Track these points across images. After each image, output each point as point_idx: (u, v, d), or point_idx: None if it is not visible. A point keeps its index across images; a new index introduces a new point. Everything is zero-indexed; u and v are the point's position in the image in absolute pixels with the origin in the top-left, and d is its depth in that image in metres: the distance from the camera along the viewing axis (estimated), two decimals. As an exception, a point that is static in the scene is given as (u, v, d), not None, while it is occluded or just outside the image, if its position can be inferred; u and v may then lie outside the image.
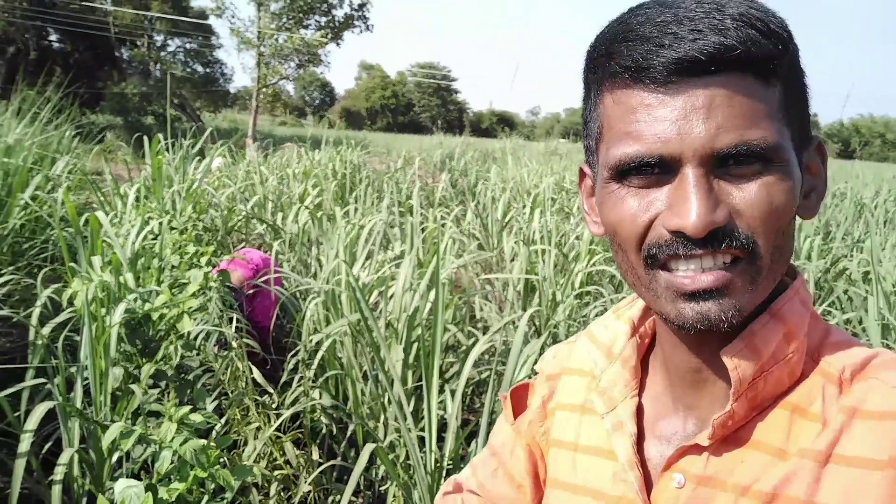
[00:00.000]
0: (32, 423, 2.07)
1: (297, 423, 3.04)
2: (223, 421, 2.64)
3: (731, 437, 0.66)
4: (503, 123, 71.87)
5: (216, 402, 2.69)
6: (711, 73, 0.59)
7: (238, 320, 3.01)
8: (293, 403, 2.85)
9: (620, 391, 0.77)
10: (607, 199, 0.66)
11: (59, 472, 2.01)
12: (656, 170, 0.62)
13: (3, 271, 3.73)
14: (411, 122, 73.51)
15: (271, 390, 2.90)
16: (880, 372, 0.63)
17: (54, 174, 5.74)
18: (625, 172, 0.63)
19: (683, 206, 0.60)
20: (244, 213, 5.47)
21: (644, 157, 0.61)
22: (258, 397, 2.81)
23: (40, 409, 2.11)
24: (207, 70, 34.91)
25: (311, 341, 3.10)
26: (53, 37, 31.34)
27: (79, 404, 2.48)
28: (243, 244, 5.18)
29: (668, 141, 0.60)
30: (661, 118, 0.60)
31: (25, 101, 7.30)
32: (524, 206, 7.08)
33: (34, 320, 2.87)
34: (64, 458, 2.08)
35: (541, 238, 4.84)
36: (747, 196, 0.60)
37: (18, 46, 28.80)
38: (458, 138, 19.17)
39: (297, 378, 3.00)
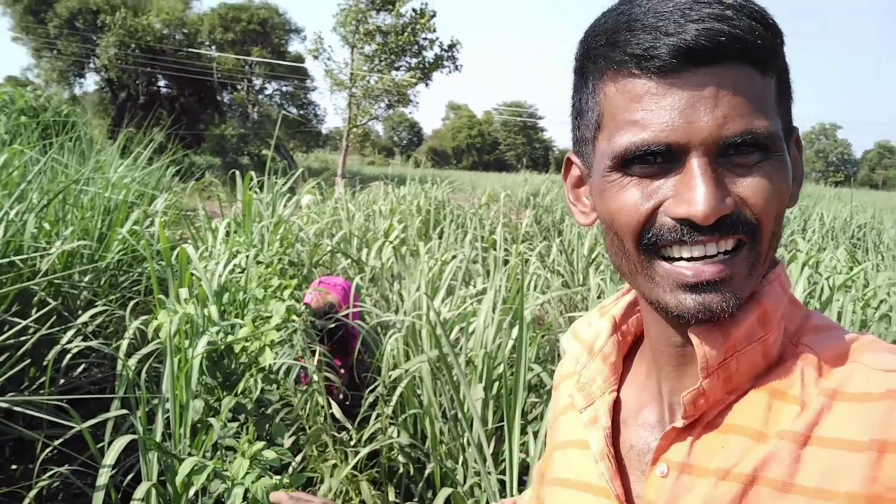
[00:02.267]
0: (111, 457, 2.07)
1: (374, 461, 2.97)
2: (300, 457, 2.59)
3: (712, 422, 0.66)
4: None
5: (294, 438, 2.64)
6: (716, 63, 0.59)
7: (323, 354, 2.98)
8: (370, 440, 2.78)
9: (599, 386, 0.78)
10: (608, 188, 0.66)
11: (134, 504, 1.99)
12: (660, 159, 0.62)
13: (98, 303, 3.85)
14: (496, 161, 73.95)
15: (349, 426, 2.84)
16: (861, 355, 0.64)
17: (153, 210, 5.98)
18: (629, 161, 0.63)
19: (692, 193, 0.60)
20: (330, 247, 5.52)
21: (651, 144, 0.61)
22: (336, 433, 2.75)
23: (119, 443, 2.12)
24: (301, 112, 36.26)
25: (389, 377, 3.03)
26: (161, 82, 33.33)
27: (159, 437, 2.49)
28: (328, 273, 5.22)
29: (676, 129, 0.60)
30: (667, 106, 0.60)
31: (131, 141, 7.71)
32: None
33: (122, 352, 2.92)
34: (140, 491, 2.07)
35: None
36: (751, 184, 0.61)
37: (129, 91, 30.74)
38: (543, 175, 19.06)
39: (374, 415, 2.93)
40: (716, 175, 0.60)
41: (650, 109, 0.61)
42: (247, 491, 1.77)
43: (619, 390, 0.79)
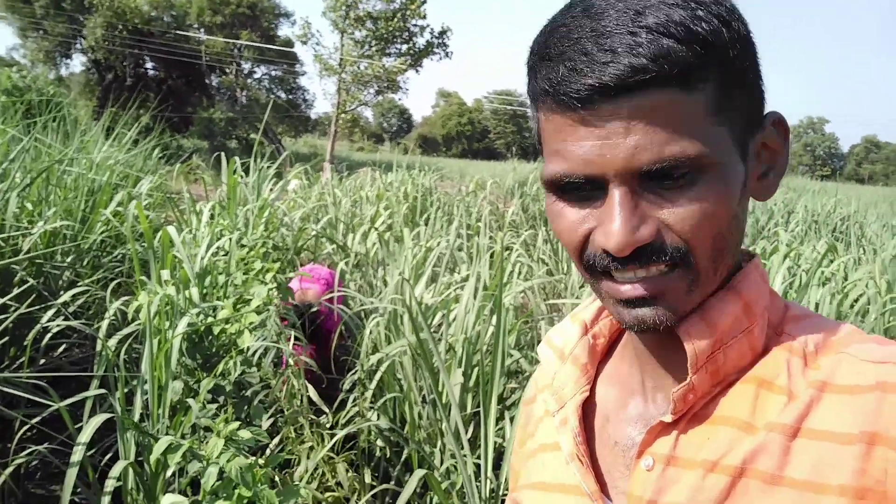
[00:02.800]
0: (86, 435, 2.08)
1: (353, 443, 2.99)
2: (277, 440, 2.61)
3: (698, 414, 0.66)
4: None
5: (272, 420, 2.66)
6: (628, 93, 0.58)
7: (297, 338, 2.99)
8: (348, 423, 2.80)
9: (570, 388, 0.78)
10: (549, 208, 0.67)
11: (109, 485, 2.00)
12: (588, 187, 0.62)
13: (80, 284, 3.84)
14: (486, 149, 73.87)
15: (326, 409, 2.86)
16: (849, 346, 0.64)
17: (137, 192, 5.94)
18: (560, 188, 0.64)
19: (608, 226, 0.61)
20: (314, 232, 5.52)
21: (570, 177, 0.62)
22: (314, 416, 2.77)
23: (96, 420, 2.13)
24: (290, 96, 36.06)
25: (368, 361, 3.05)
26: (149, 64, 33.02)
27: (137, 417, 2.49)
28: (311, 262, 5.21)
29: (591, 162, 0.60)
30: (583, 139, 0.60)
31: (116, 122, 7.63)
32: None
33: (102, 332, 2.92)
34: (116, 470, 2.08)
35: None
36: (677, 209, 0.60)
37: (116, 73, 30.44)
38: (532, 164, 19.07)
39: (352, 398, 2.94)
40: (633, 205, 0.60)
41: (568, 141, 0.61)
42: (222, 471, 1.78)
43: (593, 391, 0.79)
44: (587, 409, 0.77)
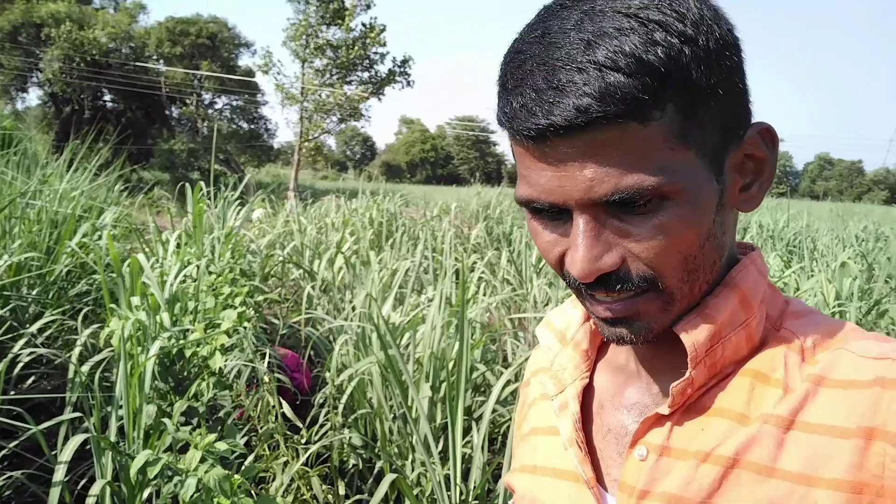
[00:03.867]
0: (66, 454, 2.13)
1: (326, 458, 3.05)
2: (252, 457, 2.67)
3: (693, 405, 0.67)
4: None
5: (245, 439, 2.72)
6: (580, 130, 0.57)
7: (271, 355, 3.06)
8: (321, 439, 2.87)
9: (570, 373, 0.79)
10: (528, 224, 0.68)
11: (90, 502, 2.05)
12: (554, 210, 0.63)
13: (47, 314, 3.85)
14: (450, 175, 74.33)
15: (300, 424, 2.93)
16: (847, 342, 0.64)
17: (101, 224, 5.95)
18: (531, 209, 0.65)
19: (572, 253, 0.62)
20: (281, 258, 5.59)
21: (536, 202, 0.63)
22: (288, 432, 2.84)
23: (74, 441, 2.18)
24: (252, 126, 36.00)
25: (338, 377, 3.13)
26: (108, 97, 32.73)
27: (112, 439, 2.53)
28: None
29: (552, 191, 0.61)
30: (542, 170, 0.61)
31: (76, 155, 7.62)
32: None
33: (74, 358, 2.96)
34: (95, 489, 2.12)
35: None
36: (641, 238, 0.61)
37: (74, 106, 30.12)
38: (496, 189, 19.33)
39: (323, 413, 3.02)
40: (596, 234, 0.61)
41: (532, 169, 0.62)
42: (199, 482, 1.85)
43: (592, 377, 0.79)
44: (585, 395, 0.78)
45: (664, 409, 0.66)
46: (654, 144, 0.58)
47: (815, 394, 0.61)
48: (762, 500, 0.60)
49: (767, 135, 0.67)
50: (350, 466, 3.00)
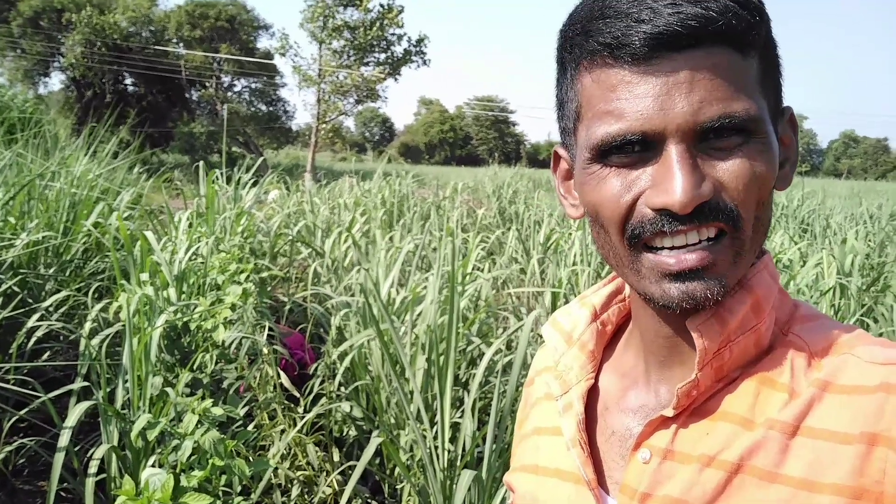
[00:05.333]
0: (72, 419, 2.24)
1: (323, 427, 3.16)
2: (252, 426, 2.78)
3: (699, 409, 0.66)
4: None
5: (247, 408, 2.83)
6: (691, 47, 0.58)
7: (271, 329, 3.17)
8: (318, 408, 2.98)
9: (576, 374, 0.78)
10: (589, 180, 0.65)
11: (93, 466, 2.17)
12: (638, 147, 0.61)
13: (63, 291, 3.99)
14: (469, 156, 74.14)
15: (298, 394, 3.04)
16: (854, 347, 0.63)
17: (117, 205, 6.09)
18: (606, 152, 0.63)
19: (669, 183, 0.59)
20: (290, 237, 5.70)
21: (626, 134, 0.60)
22: (286, 402, 2.95)
23: (80, 407, 2.29)
24: (271, 108, 36.17)
25: (336, 348, 3.23)
26: (128, 80, 33.04)
27: (119, 407, 2.66)
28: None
29: (651, 117, 0.59)
30: (642, 94, 0.60)
31: (94, 137, 7.77)
32: (569, 232, 7.15)
33: (85, 331, 3.09)
34: (100, 451, 2.24)
35: (581, 260, 4.90)
36: (731, 168, 0.60)
37: (95, 90, 30.45)
38: (512, 169, 19.34)
39: (318, 382, 3.13)
40: (693, 162, 0.60)
41: (625, 98, 0.61)
42: (196, 444, 1.96)
43: (597, 378, 0.78)
44: (590, 397, 0.77)
45: (669, 412, 0.66)
46: (751, 79, 0.61)
47: (820, 399, 0.61)
48: None
49: (793, 120, 0.70)
50: (348, 436, 3.11)
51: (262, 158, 7.29)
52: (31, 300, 3.73)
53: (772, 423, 0.61)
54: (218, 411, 2.01)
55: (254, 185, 6.62)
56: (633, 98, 0.60)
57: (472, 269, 4.30)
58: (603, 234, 0.66)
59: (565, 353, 0.79)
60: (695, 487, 0.62)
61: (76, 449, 2.71)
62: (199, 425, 2.00)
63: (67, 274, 4.54)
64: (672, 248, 0.62)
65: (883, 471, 0.56)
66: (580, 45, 0.64)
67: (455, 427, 2.76)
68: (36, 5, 28.98)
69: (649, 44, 0.58)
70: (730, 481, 0.61)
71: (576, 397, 0.76)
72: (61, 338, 3.93)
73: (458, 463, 2.47)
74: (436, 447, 2.52)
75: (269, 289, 4.43)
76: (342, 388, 3.20)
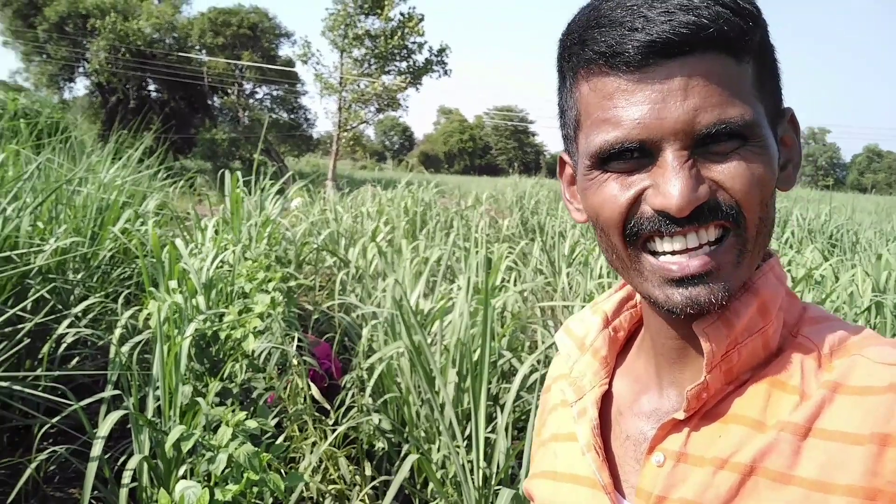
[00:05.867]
0: (104, 429, 2.23)
1: (354, 441, 3.13)
2: (282, 438, 2.76)
3: (710, 412, 0.67)
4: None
5: (277, 420, 2.81)
6: (685, 54, 0.59)
7: (300, 340, 3.15)
8: (349, 421, 2.95)
9: (589, 380, 0.78)
10: (590, 185, 0.66)
11: (126, 476, 2.15)
12: (636, 154, 0.62)
13: (91, 297, 4.00)
14: (488, 165, 74.16)
15: (328, 406, 3.01)
16: (864, 349, 0.63)
17: (143, 210, 6.13)
18: (605, 159, 0.64)
19: (666, 186, 0.60)
20: (315, 245, 5.69)
21: (624, 142, 0.61)
22: (317, 413, 2.92)
23: (112, 417, 2.27)
24: (292, 116, 36.37)
25: (367, 360, 3.20)
26: (152, 87, 33.38)
27: (150, 417, 2.64)
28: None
29: (648, 125, 0.60)
30: (638, 102, 0.60)
31: (121, 144, 7.84)
32: (594, 244, 7.09)
33: (115, 338, 3.08)
34: (133, 462, 2.22)
35: (608, 272, 4.85)
36: (729, 170, 0.61)
37: (119, 96, 30.79)
38: (532, 179, 19.31)
39: (349, 395, 3.10)
40: (691, 166, 0.60)
41: (622, 106, 0.61)
42: (230, 457, 1.93)
43: (611, 384, 0.79)
44: (604, 402, 0.78)
45: (680, 415, 0.67)
46: (746, 84, 0.61)
47: (831, 400, 0.61)
48: None
49: (793, 122, 0.70)
50: (378, 449, 3.07)
51: (290, 173, 7.30)
52: (60, 306, 3.74)
53: (783, 425, 0.61)
54: (252, 424, 1.98)
55: (279, 193, 6.64)
56: (630, 106, 0.61)
57: (500, 281, 4.26)
58: (605, 237, 0.67)
59: (578, 359, 0.80)
60: (709, 490, 0.63)
61: (106, 456, 2.70)
62: (232, 438, 1.97)
63: (95, 280, 4.55)
64: (674, 254, 0.63)
65: (895, 471, 0.56)
66: (577, 55, 0.65)
67: (486, 443, 2.71)
68: (62, 11, 29.35)
69: (643, 52, 0.59)
70: (743, 483, 0.61)
71: (590, 403, 0.77)
72: (89, 343, 3.93)
73: (493, 480, 2.42)
74: (469, 462, 2.48)
75: (294, 297, 4.41)
76: (371, 400, 3.16)
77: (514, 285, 4.69)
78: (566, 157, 0.77)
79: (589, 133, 0.65)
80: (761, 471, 0.61)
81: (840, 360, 0.64)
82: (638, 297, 0.82)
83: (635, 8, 0.60)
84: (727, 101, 0.59)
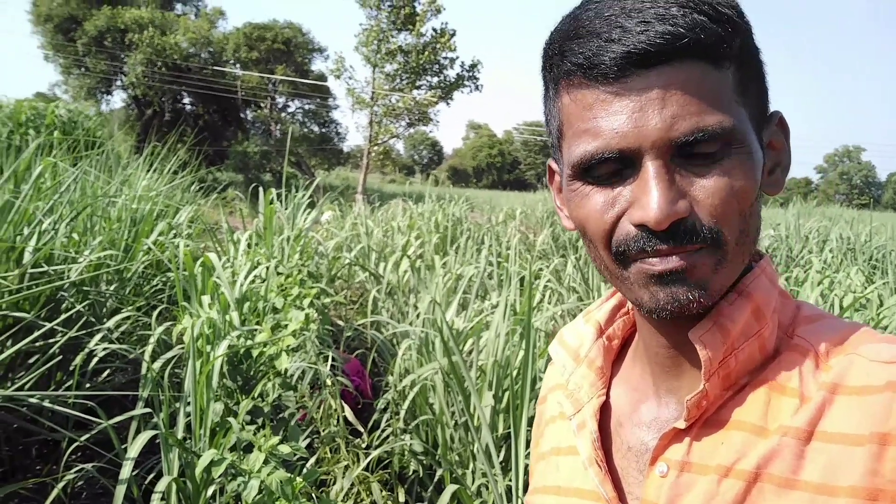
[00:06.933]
0: (135, 450, 2.18)
1: (386, 464, 3.05)
2: (314, 459, 2.68)
3: (711, 419, 0.66)
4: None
5: (308, 441, 2.74)
6: (663, 63, 0.59)
7: (334, 359, 3.08)
8: (382, 444, 2.86)
9: (586, 392, 0.78)
10: (574, 196, 0.66)
11: (155, 499, 2.09)
12: (617, 164, 0.62)
13: (124, 310, 3.98)
14: (517, 180, 74.07)
15: (362, 429, 2.93)
16: (859, 347, 0.63)
17: (177, 223, 6.14)
18: (587, 170, 0.63)
19: (645, 198, 0.60)
20: (348, 260, 5.64)
21: (603, 152, 0.61)
22: (349, 436, 2.84)
23: (142, 438, 2.22)
24: (323, 130, 36.68)
25: (400, 381, 3.12)
26: (186, 100, 33.90)
27: (180, 436, 2.59)
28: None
29: (626, 135, 0.60)
30: (616, 112, 0.60)
31: (156, 156, 7.91)
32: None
33: (147, 354, 3.04)
34: (161, 484, 2.17)
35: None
36: (708, 185, 0.60)
37: (155, 109, 31.31)
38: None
39: (384, 419, 3.02)
40: (670, 177, 0.60)
41: (601, 117, 0.61)
42: (262, 483, 1.86)
43: (608, 394, 0.78)
44: (603, 413, 0.77)
45: (681, 424, 0.66)
46: (726, 91, 0.60)
47: (830, 402, 0.60)
48: None
49: (782, 124, 0.69)
50: (410, 473, 2.99)
51: (316, 180, 7.29)
52: (93, 319, 3.72)
53: (785, 429, 0.61)
54: (285, 450, 1.91)
55: (310, 206, 6.62)
56: (609, 116, 0.61)
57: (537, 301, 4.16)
58: (592, 247, 0.67)
59: (574, 371, 0.79)
60: (715, 499, 0.62)
61: (134, 473, 2.65)
62: (265, 463, 1.90)
63: (128, 292, 4.54)
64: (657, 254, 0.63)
65: None
66: (557, 65, 0.65)
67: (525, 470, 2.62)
68: (101, 25, 29.99)
69: (619, 63, 0.59)
70: (749, 491, 0.61)
71: (588, 416, 0.76)
72: (121, 356, 3.90)
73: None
74: (508, 488, 2.39)
75: (327, 313, 4.35)
76: (406, 423, 3.08)
77: (550, 304, 4.59)
78: (554, 165, 0.77)
79: (571, 143, 0.65)
80: (766, 477, 0.60)
81: (837, 359, 0.63)
82: (630, 304, 0.81)
83: (613, 18, 0.60)
84: (705, 110, 0.59)
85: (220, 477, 2.39)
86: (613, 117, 0.61)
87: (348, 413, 2.84)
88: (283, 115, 36.39)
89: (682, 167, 0.61)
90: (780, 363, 0.66)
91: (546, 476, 0.83)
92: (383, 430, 2.97)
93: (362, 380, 3.67)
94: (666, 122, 0.59)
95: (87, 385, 3.53)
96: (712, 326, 0.65)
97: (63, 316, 3.39)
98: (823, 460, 0.58)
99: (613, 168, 0.62)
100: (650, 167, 0.60)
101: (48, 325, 3.02)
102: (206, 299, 3.25)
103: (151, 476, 2.78)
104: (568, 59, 0.63)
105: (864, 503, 0.56)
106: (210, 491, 2.44)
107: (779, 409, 0.63)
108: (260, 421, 2.82)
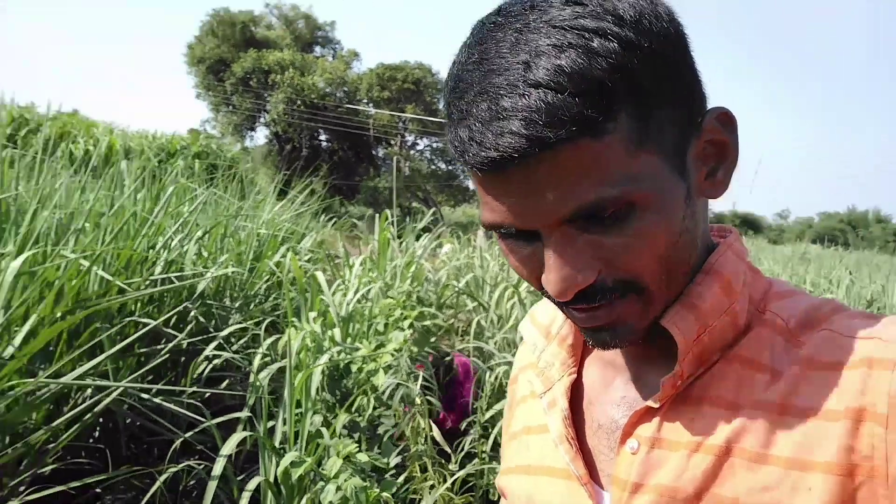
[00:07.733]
0: (227, 448, 2.28)
1: (472, 486, 3.02)
2: (403, 477, 2.71)
3: (682, 395, 0.65)
4: (747, 226, 68.01)
5: (399, 458, 2.77)
6: (535, 155, 0.54)
7: (426, 379, 3.11)
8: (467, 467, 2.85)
9: (557, 370, 0.77)
10: (499, 244, 0.66)
11: (244, 498, 2.17)
12: (523, 232, 0.61)
13: (241, 324, 4.20)
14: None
15: (449, 449, 2.94)
16: (832, 322, 0.63)
17: (300, 247, 6.45)
18: (496, 231, 0.63)
19: (547, 274, 0.60)
20: (457, 289, 5.70)
21: (501, 227, 0.61)
22: (436, 456, 2.85)
23: (235, 438, 2.32)
24: (450, 167, 37.44)
25: (490, 408, 3.10)
26: (323, 136, 35.70)
27: (277, 442, 2.69)
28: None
29: (518, 215, 0.59)
30: (503, 195, 0.59)
31: (289, 186, 8.39)
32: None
33: (255, 364, 3.19)
34: (252, 483, 2.25)
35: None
36: (617, 242, 0.58)
37: (294, 144, 33.16)
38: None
39: (469, 440, 3.01)
40: (571, 250, 0.59)
41: (491, 195, 0.60)
42: (339, 489, 1.90)
43: (580, 372, 0.77)
44: (574, 391, 0.76)
45: (654, 403, 0.65)
46: (611, 156, 0.56)
47: (803, 377, 0.60)
48: (756, 488, 0.58)
49: (725, 118, 0.64)
50: (496, 498, 2.94)
51: (431, 210, 7.45)
52: (211, 329, 3.95)
53: (756, 404, 0.61)
54: (363, 458, 1.95)
55: (427, 233, 6.76)
56: (500, 197, 0.59)
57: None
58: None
59: (545, 349, 0.79)
60: (685, 474, 0.62)
61: (240, 478, 2.77)
62: (344, 470, 1.94)
63: (251, 307, 4.80)
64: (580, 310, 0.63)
65: (872, 446, 0.55)
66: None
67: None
68: (247, 67, 32.24)
69: (489, 166, 0.56)
70: (720, 465, 0.60)
71: (559, 394, 0.75)
72: (236, 368, 4.12)
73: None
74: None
75: (433, 339, 4.41)
76: (492, 449, 3.05)
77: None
78: None
79: (480, 204, 0.63)
80: (737, 451, 0.60)
81: (809, 334, 0.63)
82: None
83: (474, 104, 0.56)
84: (586, 187, 0.56)
85: (313, 485, 2.46)
86: (505, 198, 0.59)
87: (436, 433, 2.85)
88: (412, 152, 37.50)
89: (586, 229, 0.59)
90: (751, 338, 0.65)
91: (517, 456, 0.82)
92: (469, 453, 2.95)
93: (469, 381, 3.70)
94: (548, 205, 0.57)
95: (207, 391, 3.75)
96: (682, 308, 0.64)
97: (189, 326, 3.64)
98: (796, 435, 0.58)
99: (519, 233, 0.62)
100: (549, 244, 0.59)
101: (179, 337, 3.24)
102: (312, 315, 3.38)
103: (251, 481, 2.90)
104: (450, 144, 0.61)
105: (838, 478, 0.56)
106: (304, 500, 2.51)
107: (750, 385, 0.62)
108: (356, 436, 2.88)
